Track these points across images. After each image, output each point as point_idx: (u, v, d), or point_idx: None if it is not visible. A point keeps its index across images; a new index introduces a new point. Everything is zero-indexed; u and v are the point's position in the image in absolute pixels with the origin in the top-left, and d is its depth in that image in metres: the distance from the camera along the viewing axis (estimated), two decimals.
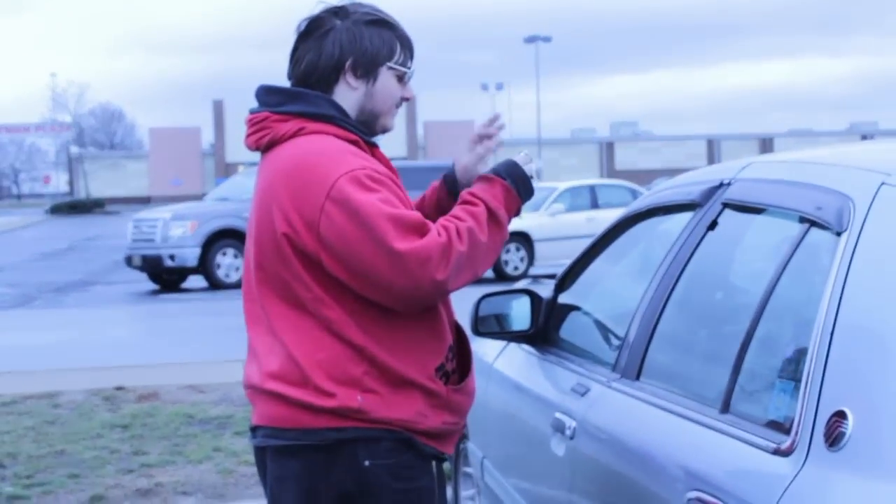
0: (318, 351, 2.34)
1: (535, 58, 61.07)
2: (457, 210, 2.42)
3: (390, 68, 2.49)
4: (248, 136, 2.48)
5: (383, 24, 2.49)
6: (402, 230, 2.28)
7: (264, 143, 2.44)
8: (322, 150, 2.36)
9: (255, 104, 2.51)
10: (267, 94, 2.48)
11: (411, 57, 2.53)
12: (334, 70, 2.45)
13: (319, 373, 2.33)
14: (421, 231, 2.30)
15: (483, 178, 2.47)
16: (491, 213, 2.40)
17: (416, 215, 2.34)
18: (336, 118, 2.44)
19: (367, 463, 2.35)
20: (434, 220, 2.39)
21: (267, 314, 2.40)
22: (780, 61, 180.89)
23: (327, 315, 2.34)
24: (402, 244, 2.27)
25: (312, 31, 2.47)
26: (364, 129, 2.49)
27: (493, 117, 2.62)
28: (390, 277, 2.28)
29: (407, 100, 2.56)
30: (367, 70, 2.47)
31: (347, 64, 2.45)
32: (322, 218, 2.29)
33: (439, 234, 2.31)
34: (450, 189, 2.61)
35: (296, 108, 2.43)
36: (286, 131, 2.41)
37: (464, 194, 2.46)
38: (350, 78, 2.46)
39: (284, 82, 2.53)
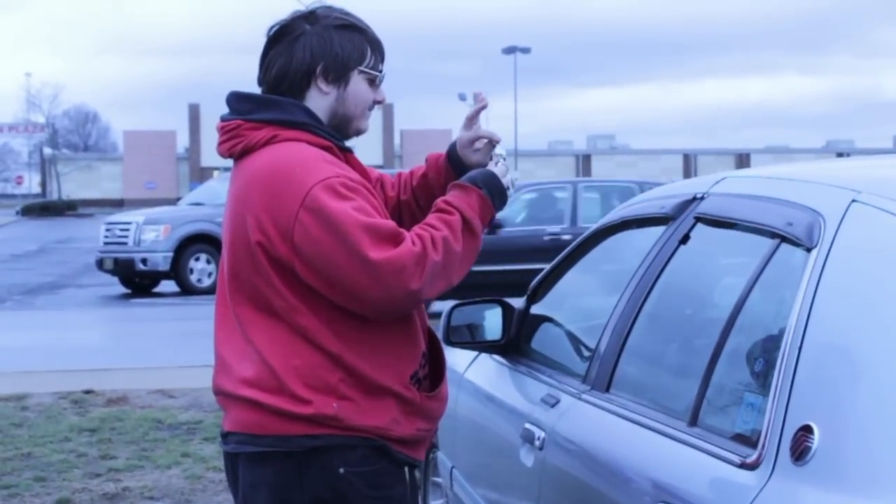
0: (294, 358, 2.33)
1: (514, 69, 61.24)
2: (431, 219, 2.41)
3: (361, 72, 2.48)
4: (221, 143, 2.47)
5: (353, 28, 2.48)
6: (376, 239, 2.28)
7: (237, 151, 2.43)
8: (296, 158, 2.36)
9: (226, 112, 2.50)
10: (238, 102, 2.47)
11: (382, 60, 2.53)
12: (305, 75, 2.45)
13: (295, 380, 2.32)
14: (395, 240, 2.30)
15: (458, 186, 2.47)
16: (466, 223, 2.40)
17: (391, 224, 2.33)
18: (309, 125, 2.43)
19: (341, 470, 2.35)
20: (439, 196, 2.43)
21: (241, 322, 2.39)
22: (758, 78, 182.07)
23: (302, 323, 2.33)
24: (377, 253, 2.27)
25: (282, 36, 2.46)
26: (337, 135, 2.48)
27: (477, 96, 2.62)
28: (364, 287, 2.28)
29: (379, 103, 2.56)
30: (339, 75, 2.46)
31: (318, 69, 2.45)
32: (296, 226, 2.29)
33: (413, 244, 2.31)
34: (455, 170, 2.60)
35: (268, 116, 2.42)
36: (259, 139, 2.40)
37: (438, 202, 2.46)
38: (321, 83, 2.46)
39: (259, 87, 2.52)
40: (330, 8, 2.49)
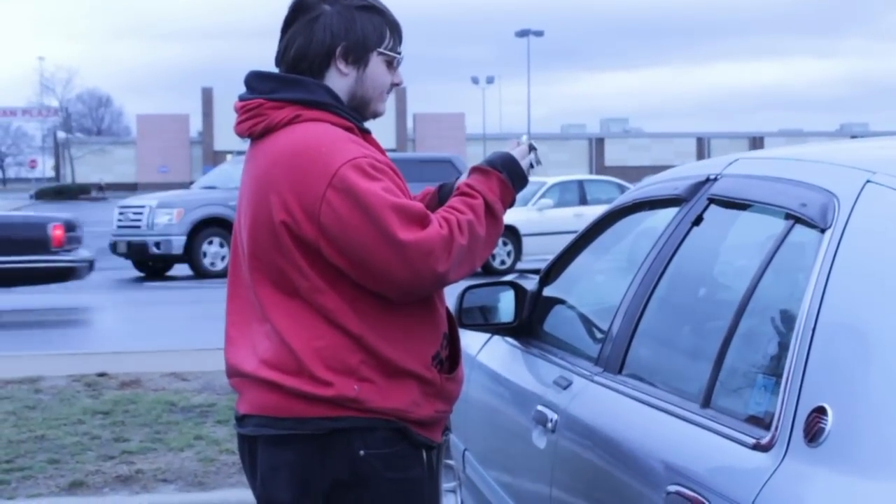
0: (315, 339, 2.32)
1: (527, 52, 61.07)
2: (455, 202, 2.41)
3: (380, 54, 2.48)
4: (241, 122, 2.45)
5: (373, 9, 2.48)
6: (405, 220, 2.27)
7: (258, 131, 2.41)
8: (322, 137, 2.34)
9: (244, 92, 2.49)
10: (259, 81, 2.45)
11: (400, 42, 2.52)
12: (325, 56, 2.44)
13: (316, 361, 2.31)
14: (423, 222, 2.30)
15: (479, 170, 2.47)
16: (488, 207, 2.41)
17: (419, 206, 2.33)
18: (332, 105, 2.42)
19: (361, 452, 2.34)
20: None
21: (261, 302, 2.38)
22: (772, 62, 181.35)
23: (324, 304, 2.33)
24: (406, 234, 2.26)
25: (301, 15, 2.45)
26: (357, 116, 2.48)
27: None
28: (392, 267, 2.28)
29: (397, 85, 2.55)
30: (358, 56, 2.45)
31: (338, 50, 2.44)
32: (323, 206, 2.27)
33: (441, 226, 2.31)
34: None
35: (291, 95, 2.40)
36: (282, 118, 2.39)
37: (461, 185, 2.45)
38: (341, 64, 2.45)
39: (274, 70, 2.51)
40: None
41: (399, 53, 2.52)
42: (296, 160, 2.32)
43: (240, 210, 2.47)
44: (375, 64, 2.47)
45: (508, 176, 2.46)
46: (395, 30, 2.51)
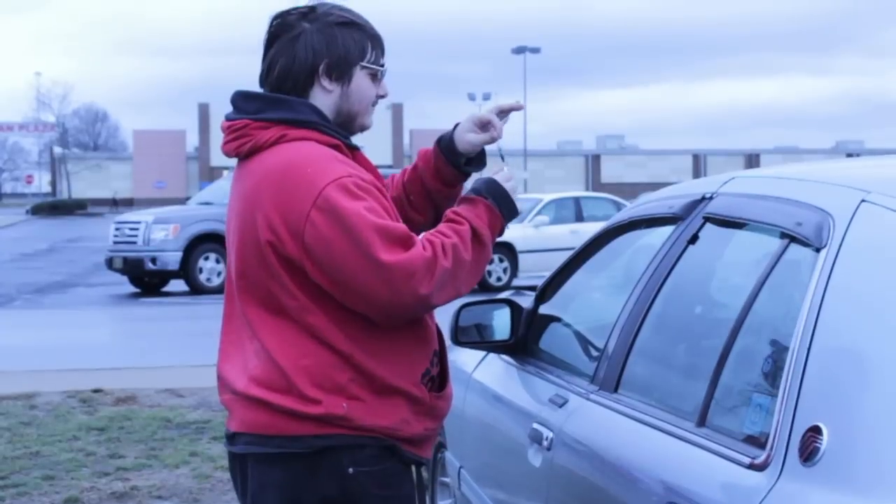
0: (303, 357, 2.32)
1: (523, 69, 61.21)
2: (441, 227, 2.41)
3: (364, 67, 2.48)
4: (227, 142, 2.46)
5: (352, 24, 2.48)
6: (387, 241, 2.27)
7: (245, 151, 2.42)
8: (307, 157, 2.35)
9: (230, 112, 2.49)
10: (245, 101, 2.46)
11: (383, 54, 2.53)
12: (308, 74, 2.44)
13: (304, 380, 2.31)
14: (406, 244, 2.30)
15: (466, 199, 2.48)
16: (475, 233, 2.41)
17: (402, 227, 2.33)
18: (318, 124, 2.42)
19: (350, 470, 2.34)
20: (428, 191, 2.47)
21: (249, 321, 2.38)
22: (768, 79, 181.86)
23: (312, 322, 2.33)
24: (388, 255, 2.26)
25: (282, 34, 2.45)
26: (343, 132, 2.48)
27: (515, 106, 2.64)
28: (374, 289, 2.27)
29: (382, 97, 2.55)
30: (342, 72, 2.46)
31: (321, 67, 2.44)
32: (307, 226, 2.28)
33: (424, 248, 2.31)
34: (446, 156, 2.58)
35: (276, 115, 2.41)
36: (268, 138, 2.39)
37: (448, 213, 2.46)
38: (325, 81, 2.45)
39: (261, 87, 2.51)
40: (328, 4, 2.49)
41: (382, 66, 2.52)
42: (281, 180, 2.32)
43: (229, 230, 2.48)
44: (360, 78, 2.48)
45: (495, 201, 2.46)
46: (377, 42, 2.51)
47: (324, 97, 2.46)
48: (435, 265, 2.30)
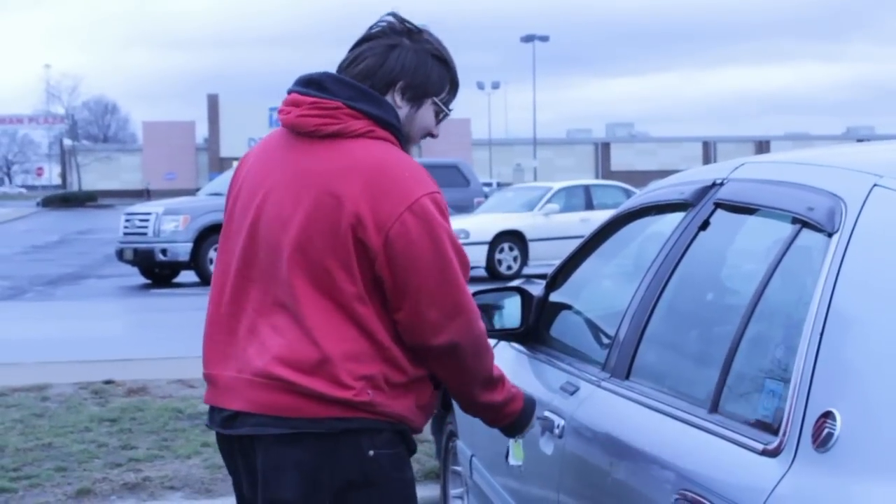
0: (343, 342, 2.36)
1: (532, 57, 61.08)
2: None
3: (434, 103, 2.56)
4: (307, 116, 2.44)
5: (443, 61, 2.56)
6: (463, 266, 2.43)
7: (329, 132, 2.43)
8: (403, 162, 2.43)
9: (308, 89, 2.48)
10: (338, 85, 2.47)
11: (453, 99, 2.62)
12: (387, 84, 2.49)
13: (340, 363, 2.35)
14: (467, 274, 2.46)
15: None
16: (495, 377, 2.57)
17: (468, 257, 2.49)
18: (398, 129, 2.49)
19: (371, 452, 2.39)
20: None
21: (296, 297, 2.39)
22: (779, 66, 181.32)
23: (361, 311, 2.38)
24: (463, 281, 2.42)
25: (381, 36, 2.51)
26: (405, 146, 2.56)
27: None
28: (432, 299, 2.38)
29: (433, 136, 2.63)
30: (415, 96, 2.52)
31: (400, 83, 2.50)
32: (396, 224, 2.35)
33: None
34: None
35: (369, 109, 2.45)
36: (357, 128, 2.43)
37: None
38: (398, 96, 2.51)
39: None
40: (433, 36, 2.57)
41: (450, 110, 2.61)
42: (377, 176, 2.37)
43: (259, 202, 2.47)
44: (426, 109, 2.56)
45: (524, 410, 2.66)
46: (454, 88, 2.60)
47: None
48: (478, 319, 2.47)
